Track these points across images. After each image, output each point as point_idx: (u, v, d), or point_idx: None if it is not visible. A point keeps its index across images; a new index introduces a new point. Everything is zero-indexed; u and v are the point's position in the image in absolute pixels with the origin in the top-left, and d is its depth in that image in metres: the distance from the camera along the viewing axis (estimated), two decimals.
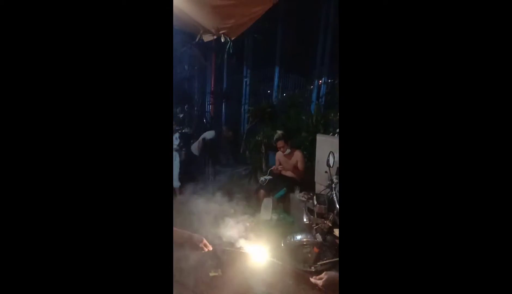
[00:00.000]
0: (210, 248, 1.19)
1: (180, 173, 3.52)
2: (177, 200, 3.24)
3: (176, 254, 2.26)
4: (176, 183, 3.42)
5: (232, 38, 3.80)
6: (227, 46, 3.84)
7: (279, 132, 2.93)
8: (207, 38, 4.07)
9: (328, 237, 1.91)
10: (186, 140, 3.74)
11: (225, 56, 4.23)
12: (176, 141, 3.65)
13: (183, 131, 3.72)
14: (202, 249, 1.16)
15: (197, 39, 3.97)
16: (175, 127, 3.73)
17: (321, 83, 3.35)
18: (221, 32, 3.59)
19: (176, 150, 3.59)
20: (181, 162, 3.59)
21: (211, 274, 2.08)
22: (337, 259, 1.86)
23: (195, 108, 5.06)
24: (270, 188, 2.89)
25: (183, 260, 2.19)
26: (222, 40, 3.70)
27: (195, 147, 3.76)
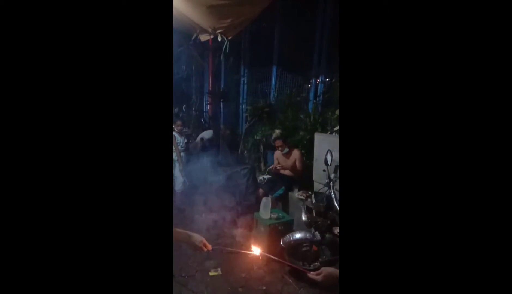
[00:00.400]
0: (210, 247, 1.19)
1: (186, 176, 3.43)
2: (179, 200, 3.22)
3: (176, 253, 2.26)
4: (181, 186, 3.33)
5: (229, 38, 3.80)
6: (224, 46, 3.83)
7: (277, 131, 2.94)
8: (203, 37, 4.06)
9: (327, 235, 1.92)
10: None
11: (222, 56, 4.22)
12: (184, 141, 3.60)
13: (182, 131, 3.71)
14: (202, 249, 1.16)
15: (193, 38, 3.96)
16: (182, 128, 3.63)
17: (318, 81, 3.36)
18: (217, 31, 3.59)
19: (184, 151, 3.53)
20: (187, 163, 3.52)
21: (211, 273, 2.08)
22: (336, 257, 1.87)
23: (193, 108, 5.05)
24: (269, 187, 2.90)
25: (183, 260, 2.19)
26: (219, 39, 3.69)
27: (193, 147, 3.76)
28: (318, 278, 0.95)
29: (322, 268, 0.97)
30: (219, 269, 2.14)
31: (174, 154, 3.28)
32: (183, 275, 2.06)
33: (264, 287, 1.97)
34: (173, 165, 3.27)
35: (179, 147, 3.42)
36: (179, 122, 3.55)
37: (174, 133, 3.41)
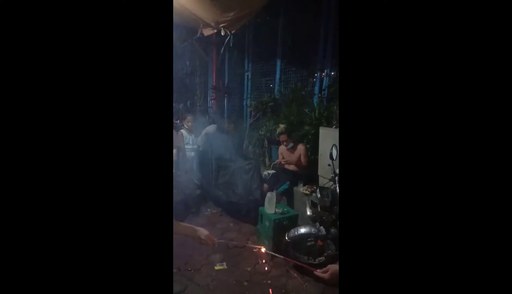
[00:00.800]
0: (216, 241, 1.20)
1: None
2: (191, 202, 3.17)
3: (182, 247, 2.28)
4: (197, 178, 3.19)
5: (233, 32, 3.76)
6: (227, 39, 3.80)
7: (282, 126, 2.92)
8: (207, 32, 4.03)
9: (332, 230, 1.91)
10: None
11: (226, 50, 4.18)
12: (193, 139, 3.37)
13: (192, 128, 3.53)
14: (207, 243, 1.17)
15: (198, 34, 3.94)
16: (192, 125, 3.35)
17: (323, 75, 3.31)
18: (221, 25, 3.56)
19: (193, 150, 3.29)
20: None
21: (217, 267, 2.10)
22: None
23: (198, 104, 5.05)
24: (274, 182, 2.90)
25: (189, 253, 2.22)
26: (222, 33, 3.66)
27: (198, 142, 3.76)
28: (325, 276, 0.95)
29: (329, 266, 0.96)
30: (224, 263, 2.16)
31: (177, 153, 3.09)
32: (189, 269, 2.09)
33: (269, 281, 1.98)
34: (179, 165, 3.10)
35: (188, 146, 3.20)
36: (189, 118, 3.27)
37: (182, 130, 3.22)
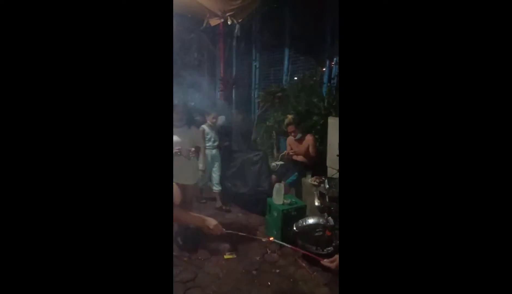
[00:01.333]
0: (223, 231, 1.22)
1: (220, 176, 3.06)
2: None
3: (193, 237, 2.32)
4: (217, 187, 3.06)
5: (239, 20, 3.70)
6: (236, 30, 3.75)
7: (290, 116, 2.88)
8: (214, 22, 3.98)
9: None
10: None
11: (234, 41, 4.12)
12: (217, 136, 3.13)
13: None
14: (215, 232, 1.19)
15: (204, 24, 3.90)
16: (216, 121, 3.10)
17: (332, 64, 3.22)
18: (227, 14, 3.50)
19: (214, 148, 3.09)
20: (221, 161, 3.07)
21: (226, 256, 2.15)
22: None
23: (206, 96, 5.05)
24: (282, 173, 2.89)
25: (200, 244, 2.27)
26: (229, 22, 3.61)
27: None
28: (332, 265, 0.95)
29: (336, 256, 0.97)
30: (233, 252, 2.20)
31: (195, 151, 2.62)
32: (199, 257, 2.14)
33: (277, 270, 2.01)
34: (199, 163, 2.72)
35: (210, 144, 3.01)
36: (213, 114, 3.05)
37: (204, 126, 3.00)
